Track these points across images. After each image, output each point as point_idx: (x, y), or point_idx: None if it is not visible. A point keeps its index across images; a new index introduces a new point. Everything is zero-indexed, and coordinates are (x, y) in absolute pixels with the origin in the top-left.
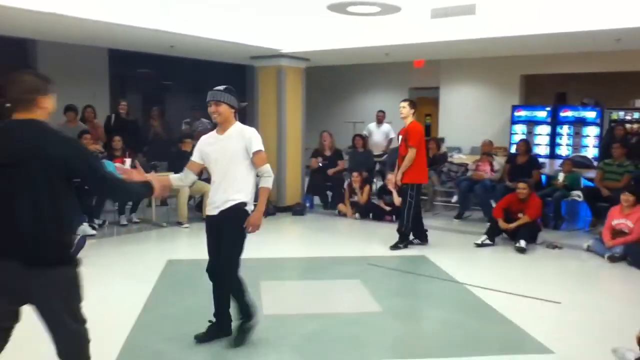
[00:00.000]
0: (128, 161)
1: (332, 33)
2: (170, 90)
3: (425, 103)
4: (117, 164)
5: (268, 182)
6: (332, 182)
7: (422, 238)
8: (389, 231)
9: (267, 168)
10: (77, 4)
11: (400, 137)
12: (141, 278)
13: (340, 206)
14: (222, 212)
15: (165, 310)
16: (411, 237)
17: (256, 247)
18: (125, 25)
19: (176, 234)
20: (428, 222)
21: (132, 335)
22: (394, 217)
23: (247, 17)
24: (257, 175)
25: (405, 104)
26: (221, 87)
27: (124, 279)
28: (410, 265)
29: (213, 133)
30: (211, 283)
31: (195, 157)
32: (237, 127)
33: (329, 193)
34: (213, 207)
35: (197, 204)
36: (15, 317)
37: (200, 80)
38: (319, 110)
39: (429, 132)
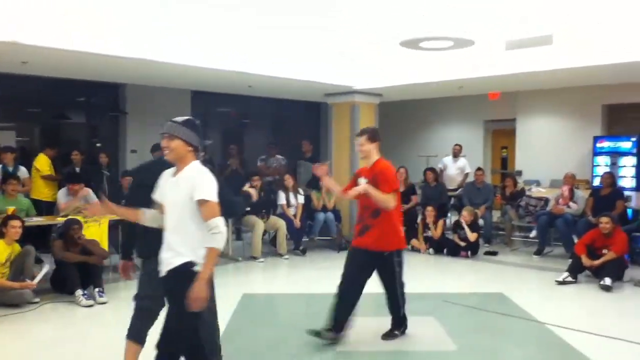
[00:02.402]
0: None
1: (405, 68)
2: (249, 127)
3: (502, 135)
4: None
5: (217, 241)
6: (405, 216)
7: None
8: (464, 267)
9: (216, 222)
10: (162, 50)
11: (364, 179)
12: (218, 310)
13: (414, 241)
14: (168, 272)
15: (242, 343)
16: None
17: (327, 282)
18: (207, 68)
19: (251, 269)
20: (506, 258)
21: None
22: (469, 252)
23: (321, 55)
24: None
25: (363, 138)
26: (180, 119)
27: None
28: (487, 303)
29: (171, 170)
30: (288, 317)
31: (157, 197)
32: (191, 169)
33: (402, 228)
34: (161, 266)
35: (272, 239)
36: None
37: (277, 118)
38: (392, 144)
39: (505, 165)
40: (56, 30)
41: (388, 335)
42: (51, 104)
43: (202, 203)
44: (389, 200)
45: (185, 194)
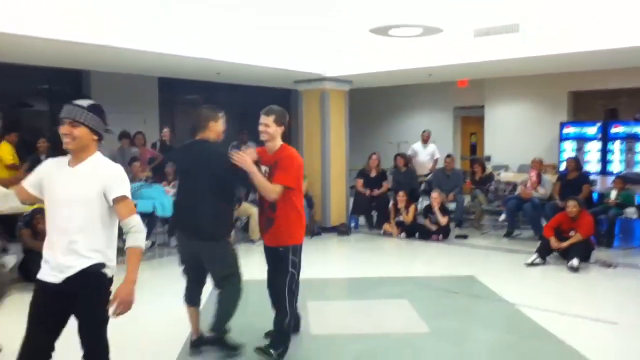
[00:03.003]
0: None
1: (375, 55)
2: None
3: (471, 122)
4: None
5: (138, 240)
6: (377, 202)
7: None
8: (435, 251)
9: (136, 220)
10: (129, 36)
11: (264, 167)
12: None
13: (386, 226)
14: (70, 279)
15: None
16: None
17: (302, 267)
18: (174, 55)
19: None
20: (476, 241)
21: (183, 353)
22: (440, 236)
23: (290, 42)
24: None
25: (270, 119)
26: (84, 103)
27: (174, 298)
28: (457, 285)
29: (63, 160)
30: (260, 303)
31: (29, 184)
32: (96, 160)
33: (374, 213)
34: (52, 271)
35: (244, 226)
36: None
37: (247, 105)
38: (362, 131)
39: (474, 151)
40: (16, 16)
41: (264, 352)
42: (11, 91)
43: (120, 200)
44: (272, 192)
45: (93, 189)
